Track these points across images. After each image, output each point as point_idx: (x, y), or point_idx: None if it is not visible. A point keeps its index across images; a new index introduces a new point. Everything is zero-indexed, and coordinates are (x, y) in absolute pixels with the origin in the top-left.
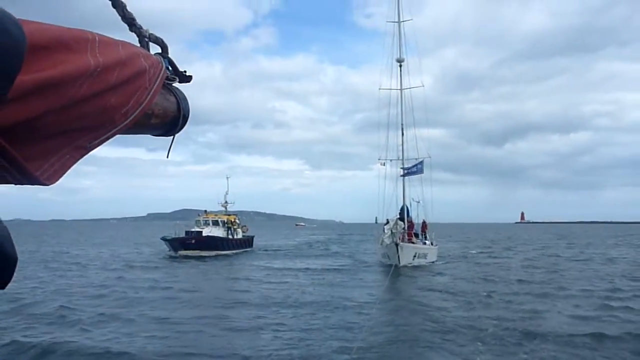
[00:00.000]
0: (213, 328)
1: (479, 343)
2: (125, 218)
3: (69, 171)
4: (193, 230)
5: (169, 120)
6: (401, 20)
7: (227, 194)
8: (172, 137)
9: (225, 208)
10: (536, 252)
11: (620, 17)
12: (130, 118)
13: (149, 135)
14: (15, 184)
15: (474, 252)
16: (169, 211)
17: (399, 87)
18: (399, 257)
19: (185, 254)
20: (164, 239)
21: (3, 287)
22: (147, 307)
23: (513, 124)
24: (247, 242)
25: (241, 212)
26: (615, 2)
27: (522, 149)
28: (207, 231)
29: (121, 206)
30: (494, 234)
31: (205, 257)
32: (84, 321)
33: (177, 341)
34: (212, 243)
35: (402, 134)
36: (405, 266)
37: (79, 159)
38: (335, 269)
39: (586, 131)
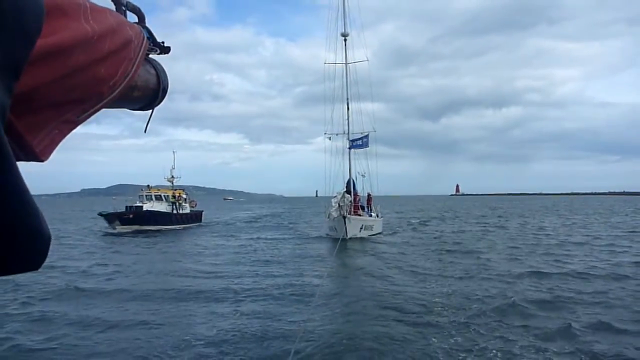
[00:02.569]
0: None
1: (425, 310)
2: (59, 194)
3: (57, 147)
4: (133, 205)
5: (150, 93)
6: None
7: (173, 168)
8: (151, 110)
9: (172, 183)
10: (471, 221)
11: None
12: (118, 90)
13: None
14: None
15: (415, 222)
16: (104, 186)
17: (344, 62)
18: (346, 229)
19: (123, 229)
20: (100, 214)
21: (37, 268)
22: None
23: (449, 99)
24: (195, 216)
25: (180, 186)
26: None
27: (457, 123)
28: (148, 206)
29: (53, 181)
30: (432, 205)
31: (146, 231)
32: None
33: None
34: (153, 218)
35: (348, 108)
36: (352, 238)
37: (67, 134)
38: (281, 242)
39: (517, 106)
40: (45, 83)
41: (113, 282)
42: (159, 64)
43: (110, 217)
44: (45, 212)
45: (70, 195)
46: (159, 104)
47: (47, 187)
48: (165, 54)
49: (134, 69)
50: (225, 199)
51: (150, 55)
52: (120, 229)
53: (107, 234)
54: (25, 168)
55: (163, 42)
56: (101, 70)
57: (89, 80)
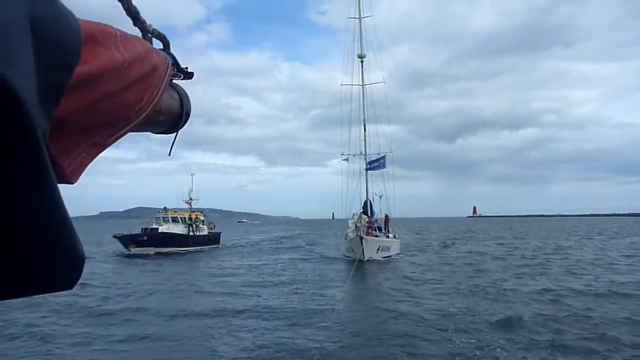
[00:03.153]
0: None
1: (451, 330)
2: (78, 217)
3: (85, 170)
4: (149, 227)
5: (173, 117)
6: (362, 16)
7: (191, 190)
8: (174, 134)
9: (190, 205)
10: (490, 242)
11: (564, 17)
12: (143, 115)
13: (150, 133)
14: None
15: (434, 244)
16: (122, 209)
17: (360, 83)
18: (363, 250)
19: (137, 251)
20: (115, 236)
21: (71, 287)
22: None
23: (464, 120)
24: (213, 238)
25: (198, 209)
26: (558, 1)
27: (473, 144)
28: (164, 228)
29: (72, 205)
30: (449, 227)
31: (163, 254)
32: None
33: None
34: (169, 240)
35: (365, 129)
36: (369, 260)
37: (94, 157)
38: (299, 263)
39: (534, 127)
40: (78, 109)
41: (127, 300)
42: (182, 89)
43: (124, 240)
44: None
45: (89, 218)
46: (182, 127)
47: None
48: (188, 79)
49: (159, 94)
50: (239, 221)
51: (174, 81)
52: (135, 251)
53: (122, 256)
54: None
55: (187, 68)
56: (129, 96)
57: (117, 106)
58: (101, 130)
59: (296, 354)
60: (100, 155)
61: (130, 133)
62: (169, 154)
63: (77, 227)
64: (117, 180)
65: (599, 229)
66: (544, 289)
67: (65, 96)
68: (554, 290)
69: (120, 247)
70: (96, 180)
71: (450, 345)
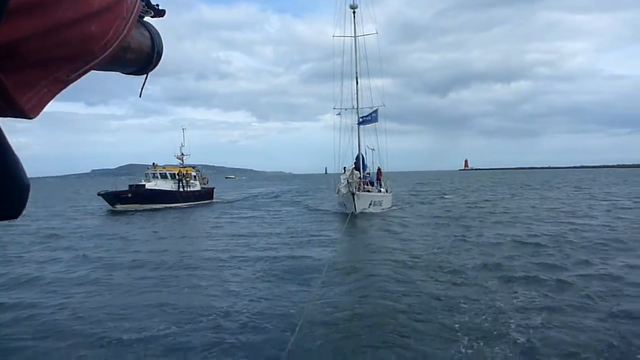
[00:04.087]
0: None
1: (439, 278)
2: (69, 175)
3: (47, 105)
4: (136, 184)
5: (144, 56)
6: None
7: (182, 146)
8: (145, 75)
9: (182, 160)
10: (477, 193)
11: None
12: (110, 50)
13: (118, 73)
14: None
15: (423, 197)
16: (113, 167)
17: (353, 35)
18: (355, 205)
19: (123, 208)
20: (99, 194)
21: (17, 216)
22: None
23: (457, 73)
24: (206, 194)
25: (190, 165)
26: None
27: (466, 98)
28: (152, 184)
29: (63, 163)
30: (441, 180)
31: (151, 210)
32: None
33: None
34: (155, 196)
35: (357, 83)
36: (361, 213)
37: (57, 93)
38: (291, 217)
39: (527, 80)
40: (27, 36)
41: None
42: (153, 27)
43: (109, 197)
44: (51, 192)
45: (80, 176)
46: (153, 68)
47: (58, 168)
48: (159, 17)
49: (127, 29)
50: (227, 177)
51: (145, 18)
52: (121, 208)
53: (107, 213)
54: (35, 152)
55: (157, 5)
56: (91, 27)
57: (78, 37)
58: (63, 64)
59: (285, 312)
60: (90, 112)
61: (99, 72)
62: (140, 96)
63: (68, 185)
64: (108, 138)
65: (566, 181)
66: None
67: (12, 21)
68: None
69: (106, 205)
70: (87, 138)
71: (436, 291)
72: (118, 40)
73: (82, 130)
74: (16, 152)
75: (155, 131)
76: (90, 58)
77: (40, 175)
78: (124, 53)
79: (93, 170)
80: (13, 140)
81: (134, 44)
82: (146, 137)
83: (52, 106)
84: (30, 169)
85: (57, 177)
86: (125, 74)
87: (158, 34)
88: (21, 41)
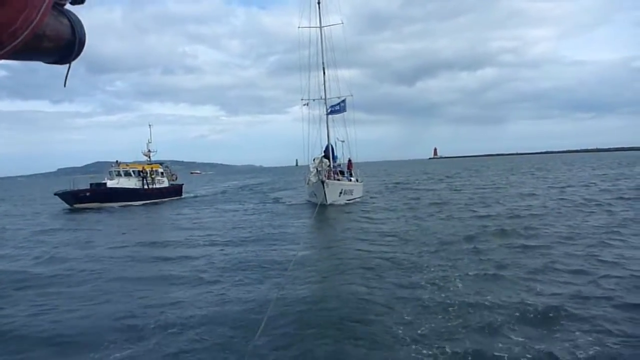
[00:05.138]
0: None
1: (400, 268)
2: (35, 174)
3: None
4: (97, 182)
5: (63, 44)
6: None
7: (149, 142)
8: (68, 64)
9: (149, 157)
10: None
11: None
12: (20, 39)
13: (42, 65)
14: None
15: (393, 186)
16: (80, 165)
17: (318, 25)
18: (325, 194)
19: (81, 207)
20: (56, 193)
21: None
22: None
23: (424, 62)
24: (174, 190)
25: (158, 161)
26: None
27: (433, 87)
28: (114, 182)
29: (29, 162)
30: (411, 169)
31: (111, 209)
32: None
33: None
34: (115, 195)
35: (324, 73)
36: (332, 204)
37: None
38: (260, 210)
39: (492, 67)
40: None
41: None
42: (74, 15)
43: (66, 197)
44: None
45: (46, 175)
46: (76, 57)
47: (24, 168)
48: (78, 4)
49: (39, 17)
50: (192, 173)
51: (66, 7)
52: (79, 207)
53: (63, 213)
54: (3, 152)
55: None
56: None
57: None
58: None
59: (254, 305)
60: (56, 110)
61: (16, 62)
62: (64, 85)
63: (32, 185)
64: (75, 135)
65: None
66: None
67: None
68: None
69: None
70: (53, 137)
71: (407, 281)
72: (29, 29)
73: (47, 128)
74: None
75: (124, 127)
76: None
77: (9, 175)
78: (39, 42)
79: (60, 169)
80: None
81: (50, 32)
82: (114, 134)
83: (16, 105)
84: None
85: (23, 176)
86: (47, 63)
87: (80, 22)
88: None
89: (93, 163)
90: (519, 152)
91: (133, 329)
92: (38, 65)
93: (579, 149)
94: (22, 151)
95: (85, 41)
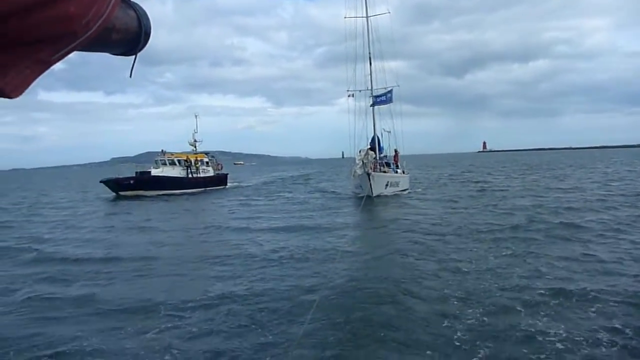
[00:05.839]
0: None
1: (448, 261)
2: (90, 164)
3: (30, 86)
4: (141, 170)
5: (131, 36)
6: None
7: (195, 132)
8: (134, 56)
9: (195, 147)
10: (497, 175)
11: None
12: (92, 31)
13: (110, 55)
14: None
15: (443, 179)
16: (133, 155)
17: (365, 15)
18: (371, 186)
19: (126, 194)
20: (102, 181)
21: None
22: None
23: (473, 54)
24: (219, 179)
25: (205, 151)
26: None
27: (483, 78)
28: (157, 171)
29: (84, 152)
30: (459, 162)
31: (155, 197)
32: None
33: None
34: (160, 183)
35: (370, 64)
36: (378, 196)
37: (40, 74)
38: (307, 201)
39: (545, 59)
40: (3, 17)
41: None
42: (139, 7)
43: (110, 184)
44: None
45: (100, 164)
46: (142, 49)
47: (79, 157)
48: None
49: (109, 9)
50: (235, 163)
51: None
52: (125, 194)
53: (109, 200)
54: (56, 142)
55: None
56: (70, 8)
57: (57, 18)
58: (44, 46)
59: (304, 290)
60: (109, 101)
61: (86, 53)
62: (130, 76)
63: (88, 173)
64: (127, 126)
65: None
66: None
67: None
68: None
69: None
70: (107, 127)
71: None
72: (100, 21)
73: (101, 119)
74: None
75: (173, 118)
76: (72, 39)
77: (65, 164)
78: (108, 34)
79: (113, 158)
80: (33, 130)
81: (119, 25)
82: (165, 124)
83: (71, 97)
84: (55, 159)
85: (78, 165)
86: (114, 54)
87: (145, 14)
88: None
89: (145, 153)
90: (572, 146)
91: (199, 301)
92: (92, 57)
93: (635, 144)
94: (77, 141)
95: (151, 33)
